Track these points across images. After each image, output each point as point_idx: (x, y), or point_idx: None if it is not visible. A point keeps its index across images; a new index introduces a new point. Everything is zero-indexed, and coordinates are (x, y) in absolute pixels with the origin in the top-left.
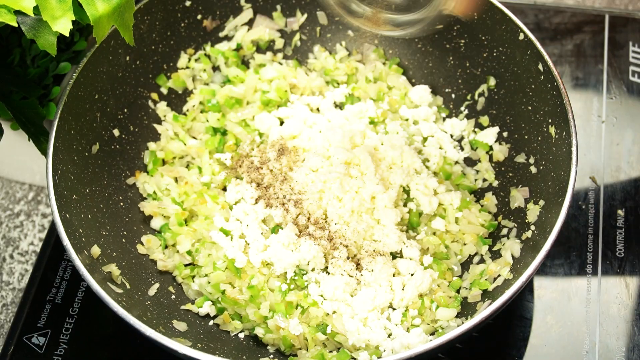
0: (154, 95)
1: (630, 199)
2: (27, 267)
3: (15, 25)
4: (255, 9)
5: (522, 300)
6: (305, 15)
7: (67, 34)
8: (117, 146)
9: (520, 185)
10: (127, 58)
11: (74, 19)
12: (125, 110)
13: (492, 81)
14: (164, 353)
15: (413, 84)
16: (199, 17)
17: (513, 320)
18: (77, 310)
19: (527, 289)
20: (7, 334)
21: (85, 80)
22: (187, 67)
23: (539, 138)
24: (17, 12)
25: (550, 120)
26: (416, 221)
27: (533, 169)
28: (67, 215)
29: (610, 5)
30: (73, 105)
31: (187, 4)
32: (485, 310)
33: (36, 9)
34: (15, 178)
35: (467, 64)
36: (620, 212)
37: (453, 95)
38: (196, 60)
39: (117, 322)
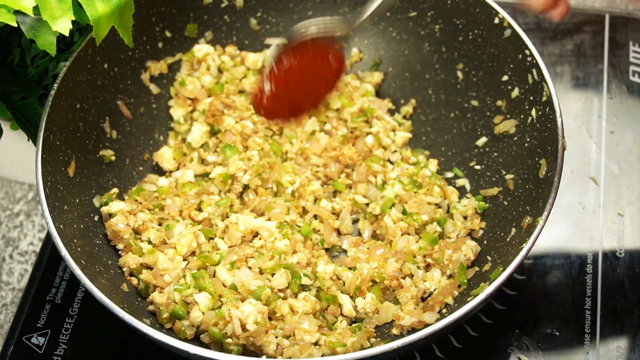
0: None
1: (630, 198)
2: (26, 267)
3: (15, 25)
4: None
5: (522, 300)
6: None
7: (66, 33)
8: (102, 154)
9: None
10: (105, 65)
11: (74, 19)
12: (107, 118)
13: (469, 64)
14: (164, 353)
15: (390, 73)
16: (175, 22)
17: (512, 320)
18: (77, 311)
19: (526, 288)
20: (6, 334)
21: (66, 90)
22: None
23: (521, 116)
24: (17, 12)
25: (531, 99)
26: None
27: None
28: (61, 226)
29: (611, 5)
30: (56, 116)
31: (162, 9)
32: (481, 295)
33: (36, 9)
34: (15, 178)
35: (444, 49)
36: (620, 212)
37: (432, 81)
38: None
39: (116, 322)
